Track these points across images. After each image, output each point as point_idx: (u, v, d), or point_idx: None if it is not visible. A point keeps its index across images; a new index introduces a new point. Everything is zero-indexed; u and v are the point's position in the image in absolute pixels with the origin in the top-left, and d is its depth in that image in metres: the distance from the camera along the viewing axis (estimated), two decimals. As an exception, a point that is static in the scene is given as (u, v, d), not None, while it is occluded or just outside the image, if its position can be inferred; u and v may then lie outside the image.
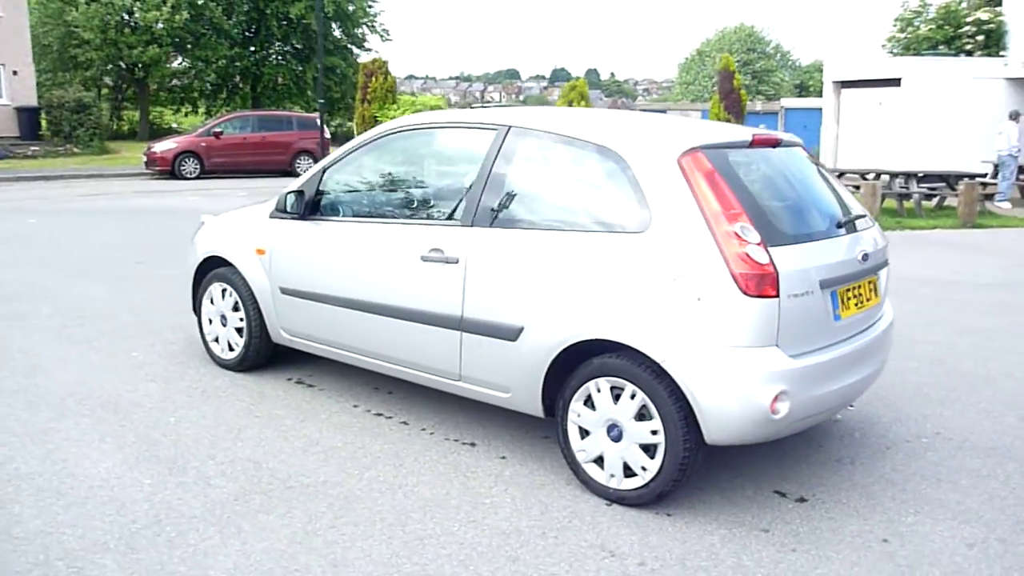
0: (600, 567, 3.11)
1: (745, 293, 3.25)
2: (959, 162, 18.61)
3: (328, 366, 5.29)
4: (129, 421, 4.41)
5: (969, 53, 22.75)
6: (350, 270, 4.45)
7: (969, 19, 23.33)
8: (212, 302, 5.30)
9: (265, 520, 3.39)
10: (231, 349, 5.23)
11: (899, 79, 20.97)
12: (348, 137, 39.66)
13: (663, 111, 39.53)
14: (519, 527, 3.40)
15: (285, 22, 36.50)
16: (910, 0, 25.98)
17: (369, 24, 39.18)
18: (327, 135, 24.05)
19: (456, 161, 4.44)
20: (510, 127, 4.01)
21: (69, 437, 4.18)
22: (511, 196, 3.92)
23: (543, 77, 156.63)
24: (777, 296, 3.28)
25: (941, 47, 23.90)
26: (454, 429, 4.39)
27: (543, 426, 4.31)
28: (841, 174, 16.99)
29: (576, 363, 3.67)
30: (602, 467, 3.63)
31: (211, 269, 5.31)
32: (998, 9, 23.20)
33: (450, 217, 4.11)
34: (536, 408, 3.85)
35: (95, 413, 4.50)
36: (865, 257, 3.78)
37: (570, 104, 19.23)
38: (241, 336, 5.15)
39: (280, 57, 38.64)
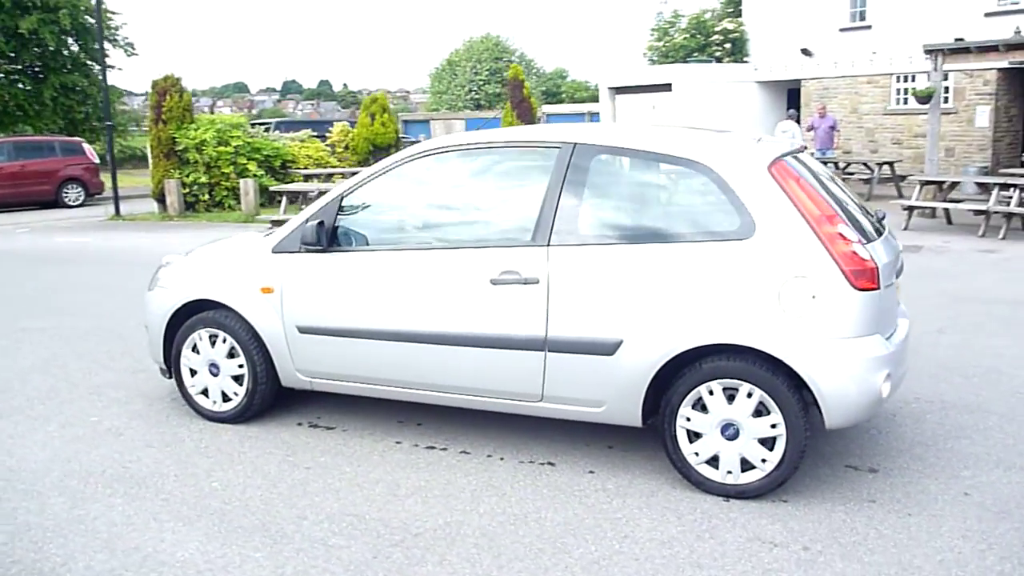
0: (775, 557, 3.27)
1: (855, 288, 3.56)
2: None
3: (333, 406, 4.98)
4: (168, 493, 3.90)
5: (719, 59, 25.29)
6: (398, 301, 4.24)
7: (717, 29, 25.94)
8: (196, 351, 4.78)
9: (430, 572, 3.20)
10: (226, 400, 4.76)
11: (670, 84, 22.93)
12: (132, 159, 36.16)
13: (425, 121, 40.10)
14: (672, 535, 3.47)
15: (14, 38, 32.57)
16: (664, 11, 28.42)
17: (111, 38, 35.91)
18: (95, 160, 21.91)
19: (514, 180, 4.38)
20: (575, 144, 4.04)
21: (115, 521, 3.63)
22: (592, 213, 3.97)
23: (274, 90, 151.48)
24: (878, 288, 3.62)
25: (695, 54, 26.35)
26: (517, 451, 4.33)
27: (596, 435, 4.39)
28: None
29: (678, 370, 3.79)
30: (716, 466, 3.79)
31: (188, 315, 4.78)
32: (740, 20, 26.02)
33: (520, 237, 4.06)
34: (634, 418, 3.93)
35: (118, 490, 3.93)
36: (899, 254, 4.24)
37: (373, 117, 19.01)
38: (240, 384, 4.71)
39: (9, 76, 34.38)
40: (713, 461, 3.80)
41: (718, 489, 3.80)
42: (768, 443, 3.70)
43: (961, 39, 20.21)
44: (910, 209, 13.51)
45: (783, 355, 3.58)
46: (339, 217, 4.44)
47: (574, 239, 3.93)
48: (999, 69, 19.05)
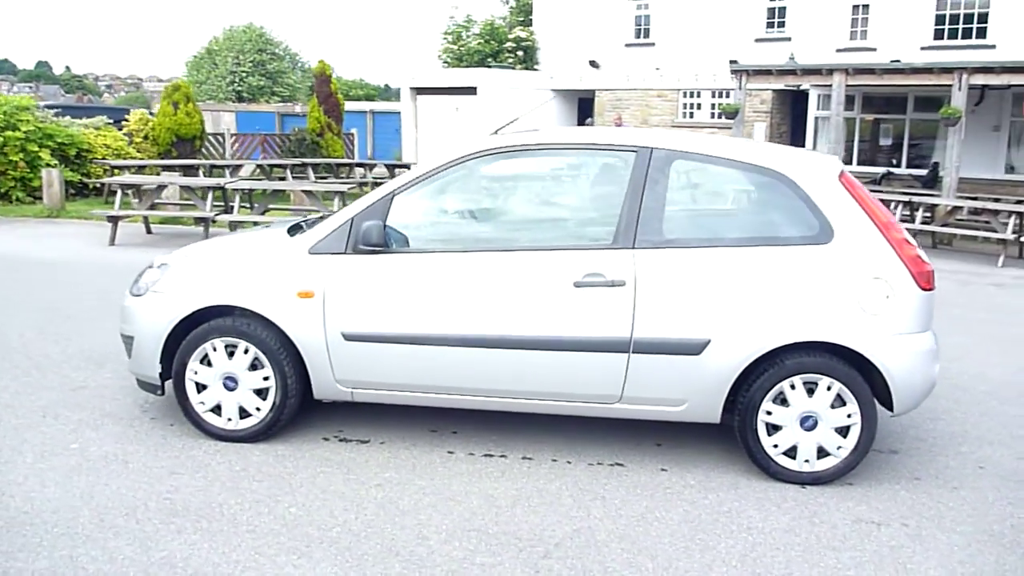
0: (888, 535, 3.58)
1: (920, 288, 3.97)
2: None
3: (356, 418, 4.66)
4: (249, 524, 3.48)
5: (512, 66, 26.11)
6: (468, 305, 4.08)
7: (511, 36, 26.75)
8: (208, 363, 4.27)
9: (609, 580, 3.15)
10: (244, 416, 4.30)
11: (475, 88, 23.32)
12: None
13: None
14: (787, 524, 3.67)
15: None
16: (456, 15, 28.78)
17: None
18: None
19: (589, 182, 4.34)
20: (652, 149, 4.12)
21: (215, 561, 3.19)
22: (675, 216, 4.07)
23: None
24: (934, 289, 4.06)
25: (489, 60, 27.00)
26: (576, 454, 4.33)
27: (638, 434, 4.52)
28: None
29: (759, 366, 4.00)
30: (794, 456, 4.04)
31: (193, 324, 4.27)
32: (531, 28, 27.04)
33: (601, 240, 4.07)
34: (714, 415, 4.09)
35: (185, 526, 3.44)
36: None
37: (176, 106, 17.52)
38: (263, 398, 4.27)
39: None
40: (791, 451, 4.04)
41: (795, 477, 4.05)
42: (843, 432, 4.01)
43: (735, 61, 22.46)
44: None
45: (865, 350, 3.90)
46: (391, 217, 4.17)
47: (659, 242, 4.00)
48: (773, 90, 21.40)
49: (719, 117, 22.64)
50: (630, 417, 4.18)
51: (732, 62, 22.77)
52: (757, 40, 22.54)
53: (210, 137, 19.42)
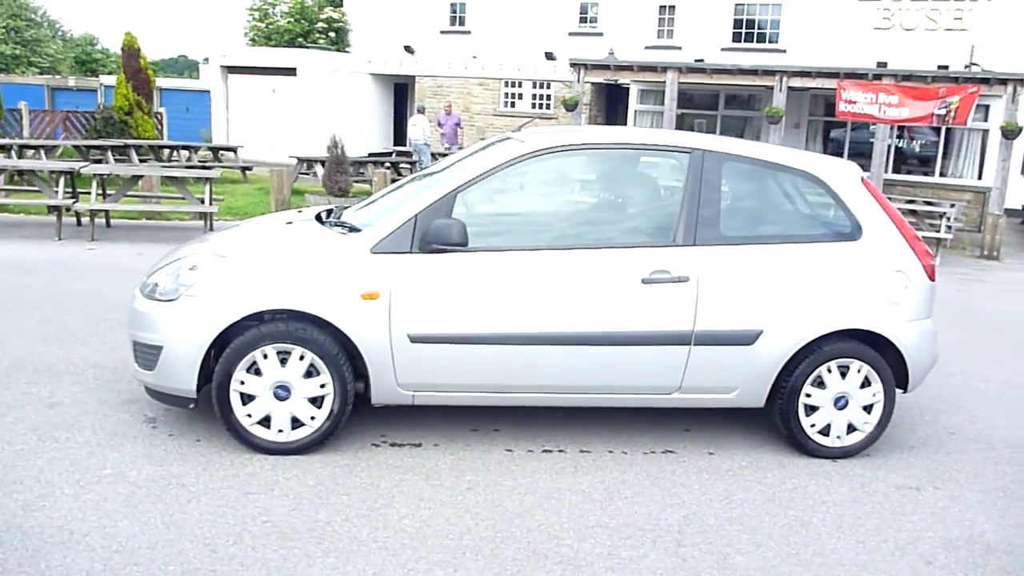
0: (933, 498, 4.06)
1: (928, 279, 4.50)
2: (355, 148, 21.19)
3: (393, 422, 4.51)
4: (372, 540, 3.32)
5: (326, 47, 25.35)
6: (536, 303, 4.09)
7: (322, 16, 25.92)
8: (258, 372, 3.96)
9: (747, 561, 3.35)
10: (296, 426, 4.04)
11: (295, 68, 22.41)
12: None
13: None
14: (847, 495, 4.05)
15: None
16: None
17: None
18: None
19: (648, 181, 4.44)
20: (705, 151, 4.34)
21: (374, 581, 3.04)
22: (729, 215, 4.31)
23: None
24: (935, 280, 4.61)
25: (299, 40, 26.03)
26: (627, 444, 4.47)
27: (666, 420, 4.76)
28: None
29: (801, 353, 4.36)
30: (827, 434, 4.45)
31: (238, 330, 3.95)
32: (342, 9, 26.36)
33: (663, 237, 4.23)
34: (760, 400, 4.40)
35: (302, 547, 3.22)
36: None
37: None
38: (318, 407, 4.04)
39: None
40: (825, 429, 4.44)
41: (828, 452, 4.45)
42: (868, 409, 4.46)
43: (551, 53, 23.30)
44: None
45: (891, 335, 4.37)
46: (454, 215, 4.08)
47: (718, 239, 4.23)
48: (591, 83, 22.39)
49: (541, 107, 23.42)
50: (684, 406, 4.39)
51: (548, 54, 23.63)
52: (571, 34, 23.49)
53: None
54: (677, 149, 4.36)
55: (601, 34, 23.17)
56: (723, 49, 21.89)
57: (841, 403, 4.40)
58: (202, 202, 10.13)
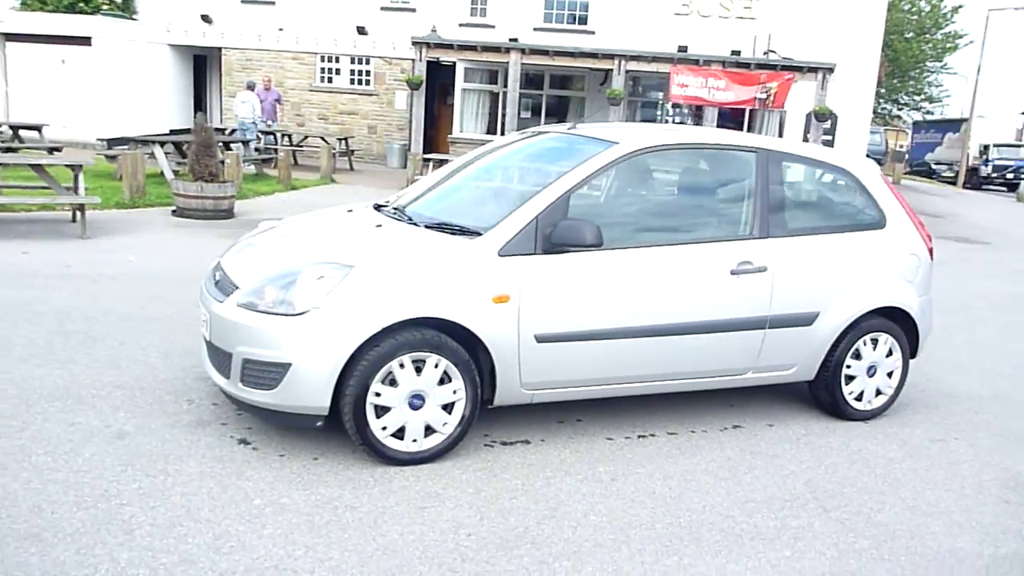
0: (959, 448, 4.77)
1: (931, 259, 5.24)
2: (154, 125, 19.77)
3: (484, 421, 4.54)
4: (587, 541, 3.43)
5: (110, 13, 23.09)
6: (644, 298, 4.30)
7: (105, -22, 23.56)
8: (394, 383, 3.86)
9: (893, 517, 3.84)
10: (429, 433, 3.99)
11: (89, 38, 20.29)
12: None
13: None
14: (902, 453, 4.67)
15: None
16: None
17: None
18: None
19: (727, 179, 4.70)
20: (768, 151, 4.74)
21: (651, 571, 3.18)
22: (792, 208, 4.75)
23: None
24: (933, 260, 5.35)
25: (80, 5, 23.51)
26: (697, 423, 4.79)
27: (712, 399, 5.19)
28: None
29: (846, 330, 4.92)
30: (861, 399, 5.07)
31: (370, 343, 3.83)
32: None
33: (742, 231, 4.60)
34: (812, 374, 4.92)
35: (539, 555, 3.28)
36: None
37: None
38: (449, 413, 4.02)
39: None
40: (859, 396, 5.05)
41: (861, 416, 5.07)
42: (890, 375, 5.12)
43: (363, 27, 22.90)
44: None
45: (910, 310, 5.04)
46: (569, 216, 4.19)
47: (784, 231, 4.67)
48: (413, 60, 22.22)
49: (359, 83, 22.92)
50: (754, 384, 4.81)
51: (360, 29, 23.15)
52: (383, 8, 23.09)
53: None
54: (747, 149, 4.73)
55: (414, 10, 22.93)
56: (535, 29, 22.50)
57: (872, 371, 5.02)
58: (75, 192, 9.11)
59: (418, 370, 3.87)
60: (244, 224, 10.84)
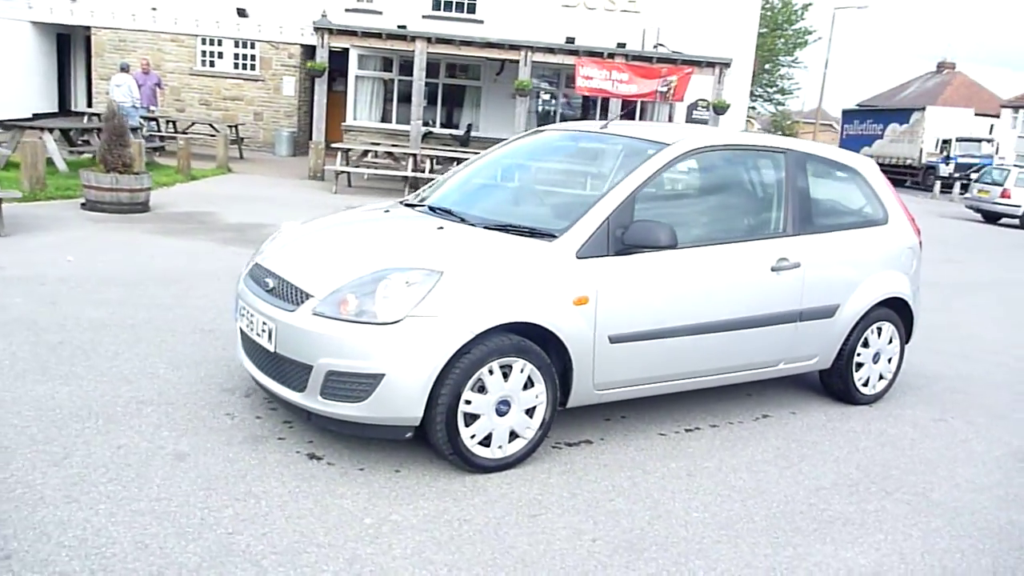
0: (961, 427, 5.19)
1: (920, 251, 5.64)
2: (14, 108, 18.30)
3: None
4: (729, 537, 3.52)
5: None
6: (702, 296, 4.41)
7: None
8: (483, 390, 3.80)
9: (944, 492, 4.14)
10: (513, 439, 3.95)
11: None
12: None
13: None
14: (916, 433, 5.02)
15: None
16: None
17: None
18: None
19: (763, 179, 4.83)
20: (794, 151, 4.95)
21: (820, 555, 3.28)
22: (818, 207, 4.99)
23: None
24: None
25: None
26: (730, 415, 4.97)
27: (727, 391, 5.40)
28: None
29: (859, 321, 5.21)
30: (867, 384, 5.39)
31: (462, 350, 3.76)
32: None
33: (775, 228, 4.79)
34: (829, 363, 5.19)
35: (682, 560, 3.34)
36: None
37: None
38: (531, 417, 3.99)
39: None
40: (866, 382, 5.37)
41: (866, 400, 5.40)
42: (890, 360, 5.48)
43: (243, 9, 22.03)
44: (342, 174, 15.11)
45: (908, 299, 5.41)
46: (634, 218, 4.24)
47: (811, 228, 4.90)
48: (303, 45, 21.48)
49: (244, 67, 21.96)
50: (782, 375, 5.03)
51: (240, 11, 22.19)
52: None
53: None
54: (777, 150, 4.91)
55: (299, -7, 22.20)
56: (424, 16, 22.24)
57: (876, 358, 5.35)
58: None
59: (505, 376, 3.82)
60: (165, 218, 10.25)
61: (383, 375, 3.58)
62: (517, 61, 16.75)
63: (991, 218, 22.54)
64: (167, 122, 18.53)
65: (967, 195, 24.25)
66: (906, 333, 5.55)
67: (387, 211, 4.84)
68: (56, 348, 5.06)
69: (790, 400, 5.34)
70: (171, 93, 21.29)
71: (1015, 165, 24.92)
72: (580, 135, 5.22)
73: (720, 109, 16.07)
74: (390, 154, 16.13)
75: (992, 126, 37.00)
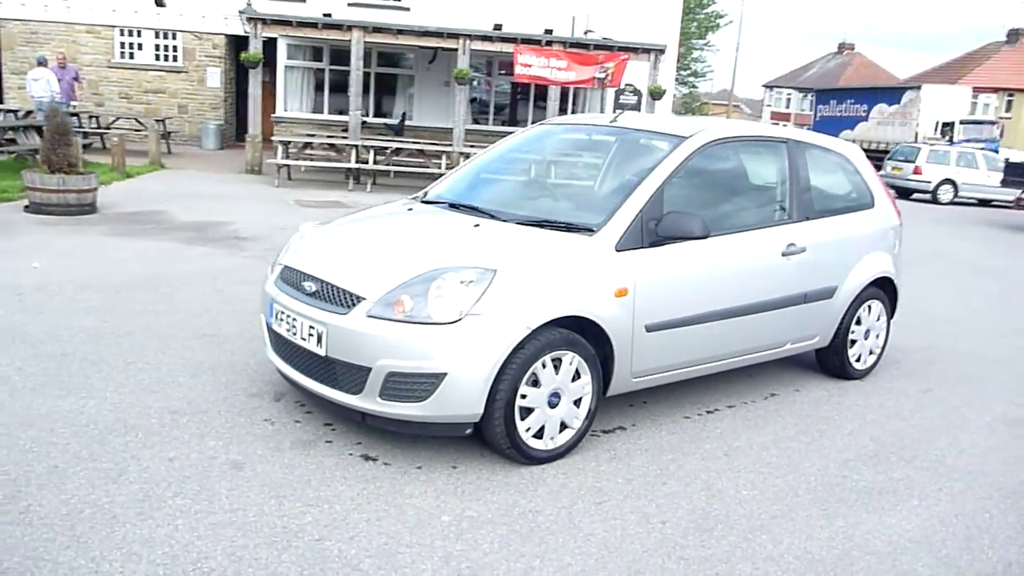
0: (953, 397, 5.55)
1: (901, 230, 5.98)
2: None
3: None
4: (803, 517, 3.71)
5: None
6: (728, 282, 4.60)
7: None
8: (536, 384, 3.89)
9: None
10: (563, 430, 4.06)
11: None
12: None
13: None
14: (910, 407, 5.35)
15: None
16: None
17: None
18: None
19: (767, 168, 5.01)
20: (794, 141, 5.18)
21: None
22: (816, 193, 5.23)
23: None
24: (900, 229, 6.09)
25: None
26: (741, 395, 5.20)
27: (728, 374, 5.63)
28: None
29: (853, 301, 5.50)
30: (859, 360, 5.70)
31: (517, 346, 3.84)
32: None
33: (781, 215, 5.01)
34: (827, 342, 5.47)
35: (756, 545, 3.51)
36: None
37: None
38: (578, 407, 4.11)
39: None
40: (858, 358, 5.68)
41: (858, 375, 5.70)
42: (878, 336, 5.80)
43: (162, 2, 21.28)
44: (283, 167, 14.84)
45: (894, 277, 5.74)
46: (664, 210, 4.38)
47: (813, 214, 5.15)
48: (227, 36, 20.88)
49: (166, 59, 21.23)
50: (788, 355, 5.27)
51: (158, 2, 21.40)
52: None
53: None
54: (779, 139, 5.13)
55: (221, -19, 21.55)
56: (350, 4, 21.88)
57: (867, 335, 5.66)
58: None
59: (555, 369, 3.92)
60: (114, 219, 9.91)
61: (445, 374, 3.63)
62: (451, 49, 16.71)
63: (904, 194, 23.62)
64: (89, 117, 17.77)
65: (880, 172, 24.80)
66: (891, 309, 5.87)
67: (410, 209, 4.85)
68: (61, 360, 4.91)
69: (790, 378, 5.59)
70: (89, 87, 20.38)
71: (924, 143, 26.17)
72: (591, 128, 5.32)
73: (657, 94, 16.40)
74: (332, 146, 15.89)
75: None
